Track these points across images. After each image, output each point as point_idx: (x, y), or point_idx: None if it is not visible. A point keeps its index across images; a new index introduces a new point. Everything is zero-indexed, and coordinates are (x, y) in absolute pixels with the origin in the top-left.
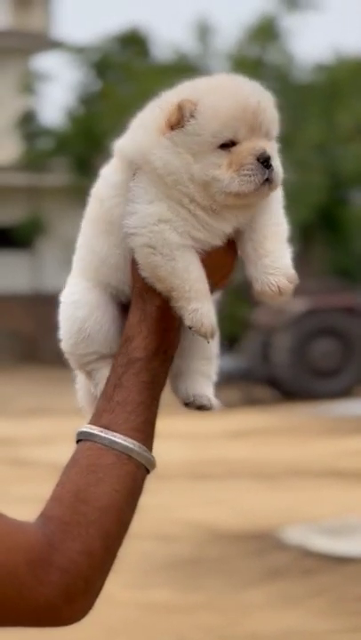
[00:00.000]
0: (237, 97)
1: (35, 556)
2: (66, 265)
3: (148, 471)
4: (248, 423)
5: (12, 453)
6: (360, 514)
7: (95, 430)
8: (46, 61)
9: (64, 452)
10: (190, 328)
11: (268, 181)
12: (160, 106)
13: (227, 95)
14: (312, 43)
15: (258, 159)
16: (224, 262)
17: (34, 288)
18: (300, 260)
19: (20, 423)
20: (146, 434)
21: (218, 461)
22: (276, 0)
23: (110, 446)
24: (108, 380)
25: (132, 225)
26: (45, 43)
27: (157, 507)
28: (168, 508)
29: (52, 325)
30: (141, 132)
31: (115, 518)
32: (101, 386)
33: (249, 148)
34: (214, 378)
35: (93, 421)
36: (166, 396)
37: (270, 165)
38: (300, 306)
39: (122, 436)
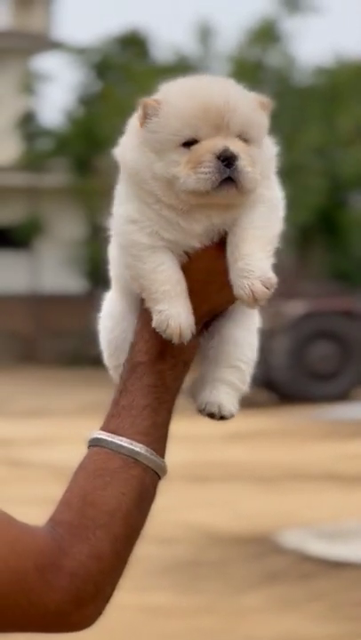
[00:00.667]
0: (201, 96)
1: (45, 560)
2: (64, 265)
3: (158, 475)
4: (246, 426)
5: (10, 454)
6: (358, 518)
7: (103, 435)
8: (46, 62)
9: (62, 452)
10: (156, 330)
11: (232, 181)
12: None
13: (191, 94)
14: (313, 45)
15: (218, 157)
16: (213, 267)
17: (32, 288)
18: (299, 263)
19: (19, 424)
20: (153, 437)
21: (216, 464)
22: (276, 2)
23: (117, 450)
24: (117, 386)
25: (112, 227)
26: (46, 43)
27: (156, 509)
28: (166, 511)
29: (50, 326)
30: (125, 133)
31: (123, 522)
32: None
33: (209, 145)
34: (242, 387)
35: (103, 427)
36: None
37: (232, 165)
38: (298, 309)
39: (128, 440)
